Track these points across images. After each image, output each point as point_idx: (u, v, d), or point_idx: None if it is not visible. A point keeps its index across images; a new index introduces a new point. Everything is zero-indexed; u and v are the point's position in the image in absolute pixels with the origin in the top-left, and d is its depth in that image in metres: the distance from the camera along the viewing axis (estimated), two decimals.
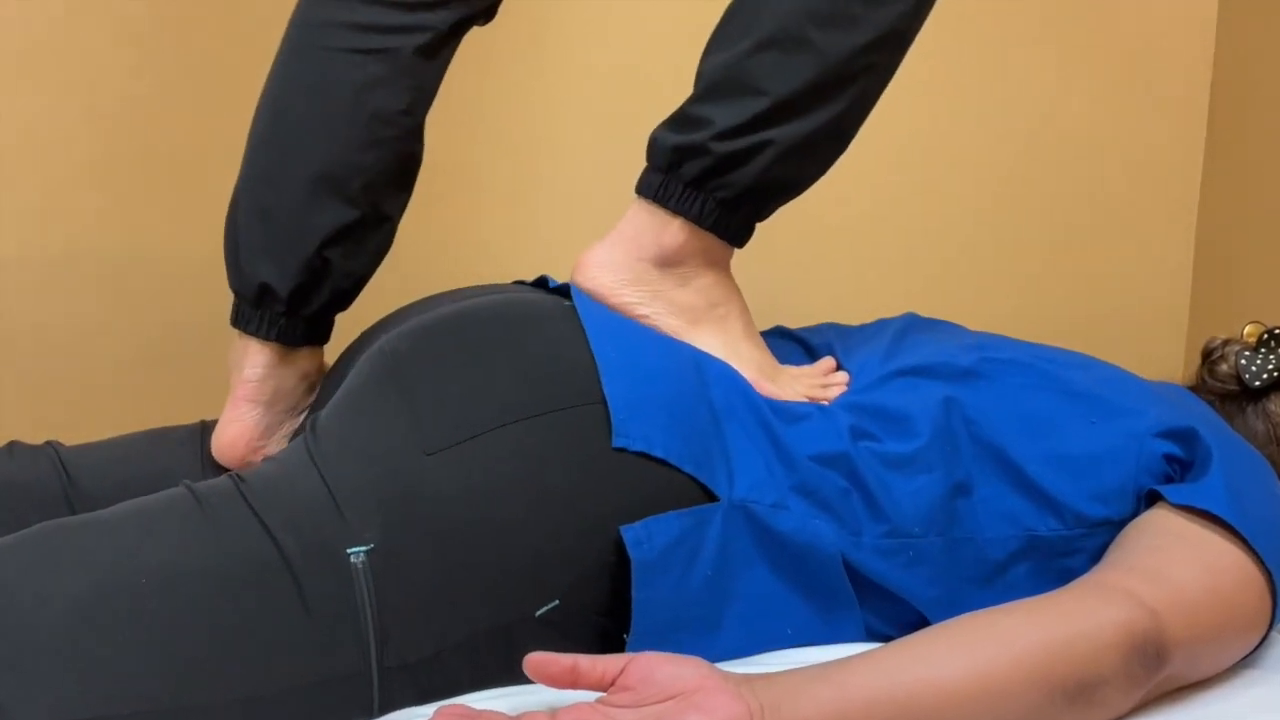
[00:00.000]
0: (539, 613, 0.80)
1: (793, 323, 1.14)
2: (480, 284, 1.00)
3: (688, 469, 0.83)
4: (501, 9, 1.07)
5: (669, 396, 0.86)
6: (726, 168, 0.91)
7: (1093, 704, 0.73)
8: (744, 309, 0.99)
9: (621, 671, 0.66)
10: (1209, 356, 1.09)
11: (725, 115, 0.91)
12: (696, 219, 0.93)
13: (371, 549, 0.78)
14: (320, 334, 1.04)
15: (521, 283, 1.03)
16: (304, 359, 1.03)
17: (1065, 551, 0.90)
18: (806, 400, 0.95)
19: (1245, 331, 1.08)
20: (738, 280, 1.00)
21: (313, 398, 1.04)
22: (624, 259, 0.94)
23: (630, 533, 0.80)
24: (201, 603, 0.75)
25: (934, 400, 0.91)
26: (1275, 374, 1.04)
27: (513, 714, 0.65)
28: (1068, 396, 0.94)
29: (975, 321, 1.15)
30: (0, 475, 0.98)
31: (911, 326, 1.08)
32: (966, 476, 0.89)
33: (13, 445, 1.03)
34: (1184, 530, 0.83)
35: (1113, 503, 0.89)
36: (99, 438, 1.07)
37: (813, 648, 0.83)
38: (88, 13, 1.46)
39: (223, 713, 0.74)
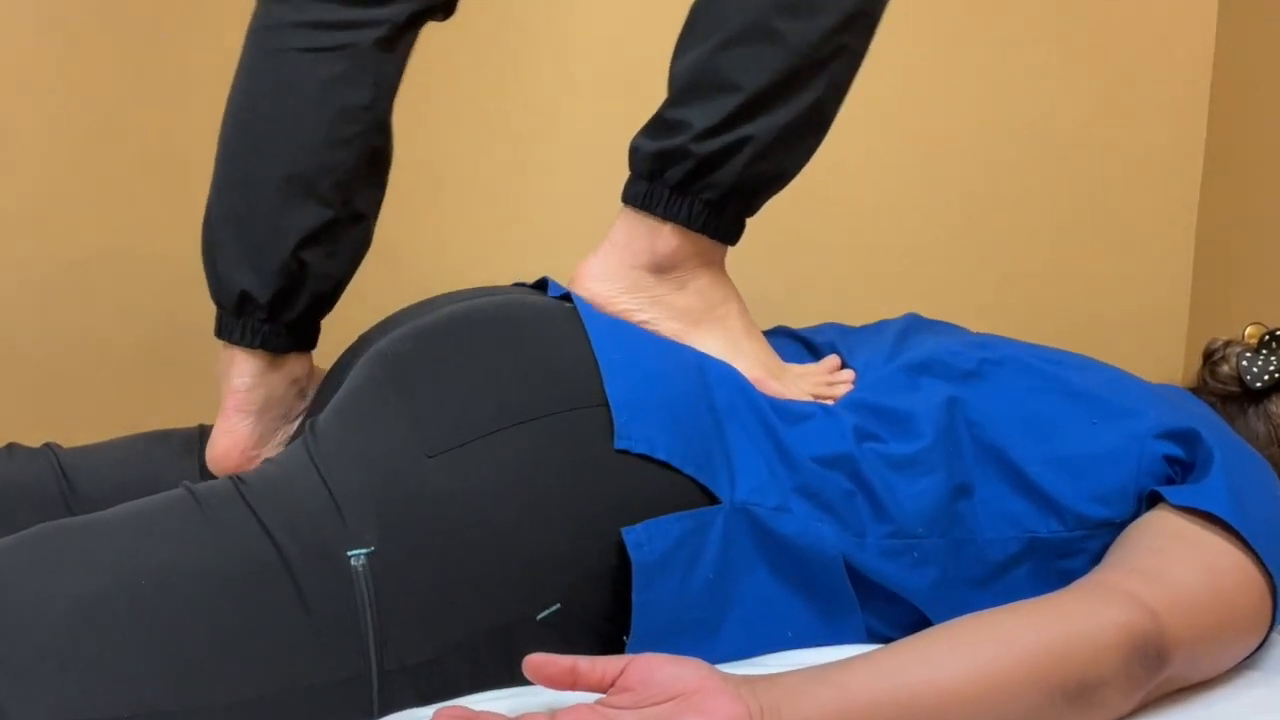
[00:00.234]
0: (540, 616, 0.80)
1: (794, 324, 1.14)
2: (480, 286, 1.00)
3: (689, 471, 0.83)
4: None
5: (671, 399, 0.86)
6: (709, 168, 0.91)
7: (1093, 704, 0.73)
8: (743, 307, 0.99)
9: (621, 673, 0.66)
10: (1210, 358, 1.09)
11: (702, 116, 0.91)
12: (686, 222, 0.93)
13: (372, 551, 0.77)
14: (306, 339, 1.03)
15: (522, 285, 1.03)
16: (292, 365, 1.02)
17: (1066, 553, 0.89)
18: (812, 398, 0.95)
19: (1246, 333, 1.08)
20: (739, 282, 1.00)
21: (305, 404, 1.04)
22: (618, 267, 0.94)
23: (631, 535, 0.80)
24: (201, 604, 0.75)
25: (937, 401, 0.91)
26: (1276, 375, 1.04)
27: (512, 715, 0.65)
28: (1069, 397, 0.94)
29: (975, 322, 1.15)
30: None
31: (913, 327, 1.08)
32: (968, 477, 0.89)
33: (11, 447, 1.03)
34: (1184, 531, 0.83)
35: (1113, 504, 0.89)
36: (97, 440, 1.07)
37: (813, 649, 0.83)
38: (84, 13, 1.46)
39: (222, 714, 0.74)
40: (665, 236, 0.93)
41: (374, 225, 1.04)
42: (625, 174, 0.96)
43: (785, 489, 0.86)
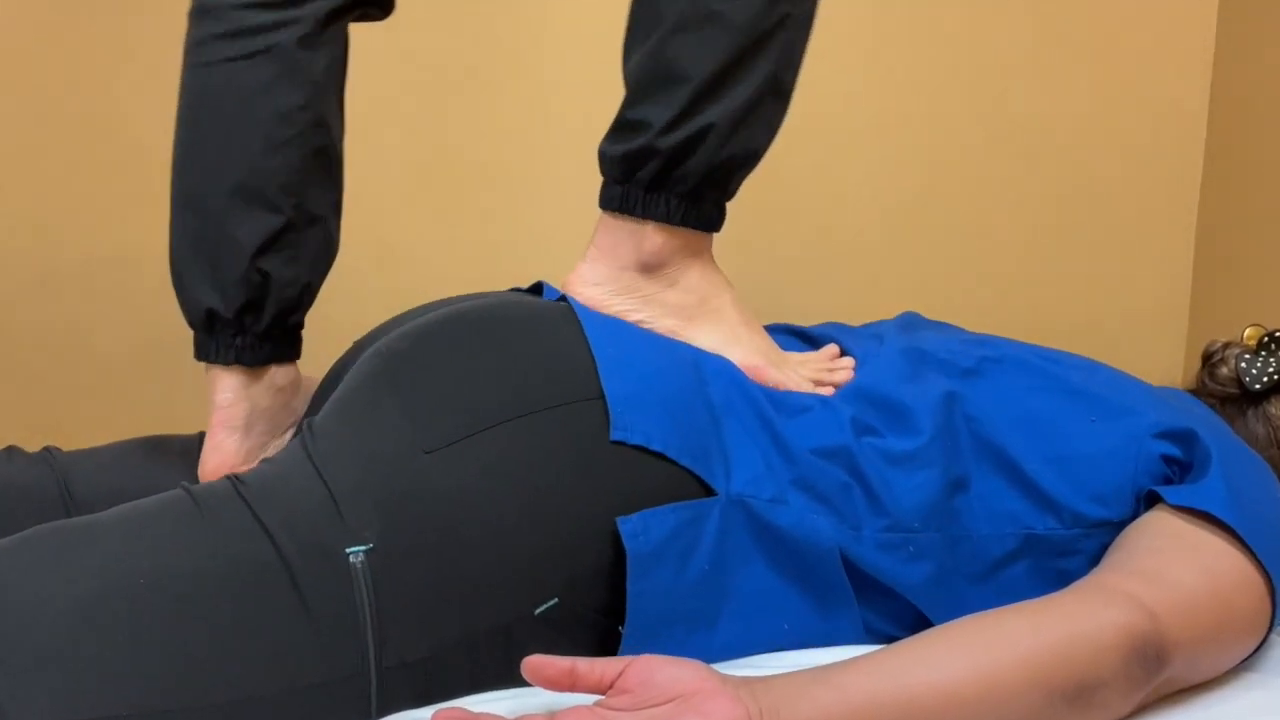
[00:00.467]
0: (538, 611, 0.80)
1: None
2: (475, 292, 1.00)
3: (685, 463, 0.83)
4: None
5: (667, 395, 0.86)
6: (677, 161, 0.91)
7: (1093, 705, 0.73)
8: (736, 297, 0.99)
9: (620, 674, 0.66)
10: (1209, 359, 1.09)
11: (660, 111, 0.91)
12: (665, 218, 0.93)
13: (370, 549, 0.78)
14: (284, 349, 1.01)
15: (518, 289, 1.03)
16: (273, 376, 1.01)
17: (1063, 552, 0.90)
18: (812, 385, 0.95)
19: (1245, 334, 1.08)
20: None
21: (295, 417, 1.03)
22: (608, 271, 0.95)
23: (626, 524, 0.80)
24: (200, 603, 0.75)
25: (936, 395, 0.91)
26: (1275, 377, 1.04)
27: (511, 716, 0.65)
28: (1068, 396, 0.94)
29: (975, 322, 1.16)
30: None
31: (913, 324, 1.08)
32: (965, 473, 0.89)
33: (10, 450, 1.03)
34: (1183, 532, 0.83)
35: (1111, 503, 0.89)
36: (96, 442, 1.07)
37: (812, 650, 0.83)
38: (85, 13, 1.46)
39: (222, 713, 0.74)
40: (649, 235, 0.93)
41: (336, 225, 1.03)
42: None
43: (782, 481, 0.86)
